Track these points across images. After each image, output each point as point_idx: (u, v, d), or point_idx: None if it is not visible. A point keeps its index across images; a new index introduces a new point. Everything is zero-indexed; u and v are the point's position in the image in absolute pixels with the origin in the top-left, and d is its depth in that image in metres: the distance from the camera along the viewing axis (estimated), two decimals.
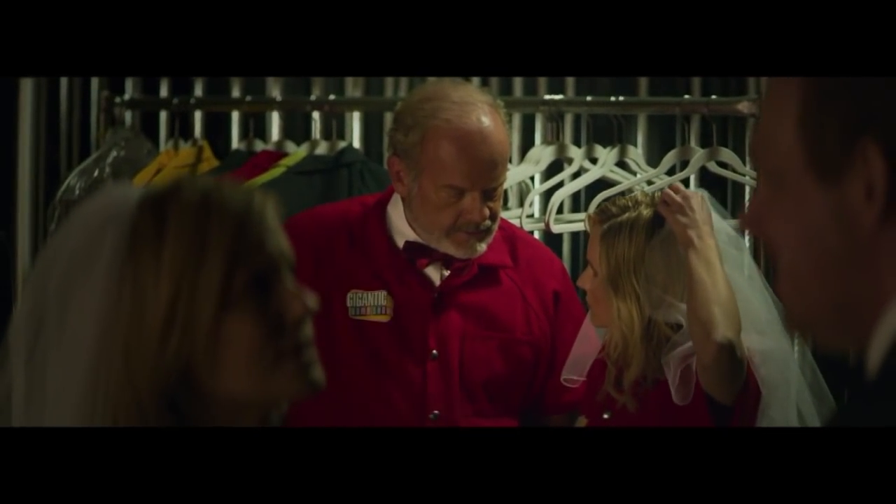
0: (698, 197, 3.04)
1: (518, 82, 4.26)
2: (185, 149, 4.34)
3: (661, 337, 3.02)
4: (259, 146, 4.25)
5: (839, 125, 1.32)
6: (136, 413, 1.63)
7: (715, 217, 3.07)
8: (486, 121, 3.15)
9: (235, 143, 4.45)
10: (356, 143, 4.26)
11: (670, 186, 3.09)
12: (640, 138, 3.99)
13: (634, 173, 3.67)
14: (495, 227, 3.22)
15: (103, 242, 1.65)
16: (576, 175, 3.71)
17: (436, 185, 3.15)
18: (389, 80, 4.41)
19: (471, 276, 3.24)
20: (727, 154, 3.55)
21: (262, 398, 1.69)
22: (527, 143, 4.07)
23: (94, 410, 1.62)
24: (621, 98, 3.75)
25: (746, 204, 3.65)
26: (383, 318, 3.22)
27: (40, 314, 1.66)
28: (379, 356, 3.21)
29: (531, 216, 3.75)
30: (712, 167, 3.56)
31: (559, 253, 3.95)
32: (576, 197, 3.97)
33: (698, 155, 3.54)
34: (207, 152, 4.34)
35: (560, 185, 3.68)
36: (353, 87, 4.41)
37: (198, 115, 4.43)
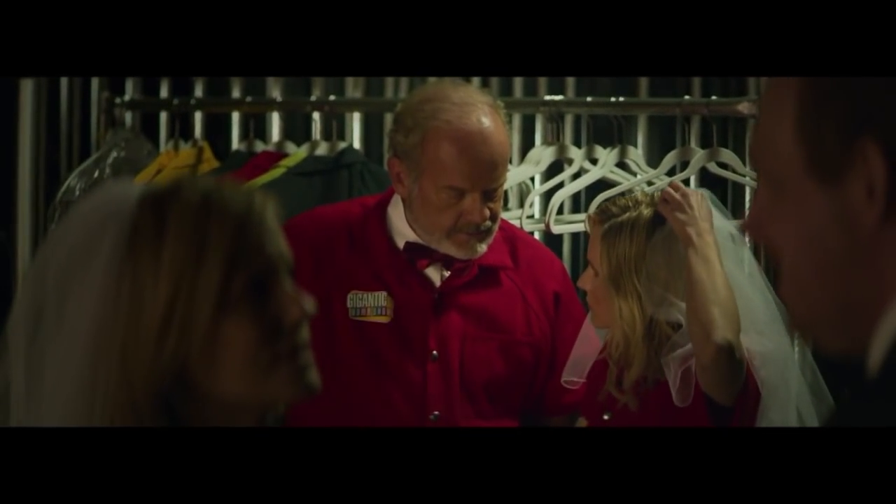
0: (698, 195, 3.04)
1: (518, 83, 4.26)
2: (186, 150, 4.34)
3: (662, 336, 3.01)
4: (259, 147, 4.25)
5: (837, 126, 1.32)
6: (132, 413, 1.62)
7: (716, 214, 3.06)
8: (487, 122, 3.15)
9: (236, 143, 4.45)
10: (356, 144, 4.26)
11: (670, 184, 3.09)
12: (640, 139, 3.99)
13: (635, 174, 3.67)
14: (496, 227, 3.22)
15: (102, 239, 1.64)
16: (576, 176, 3.71)
17: (436, 186, 3.15)
18: (390, 81, 4.42)
19: (471, 276, 3.24)
20: (727, 155, 3.55)
21: (258, 400, 1.69)
22: (527, 144, 4.07)
23: (90, 409, 1.62)
24: (621, 99, 3.75)
25: (747, 204, 3.64)
26: (383, 319, 3.22)
27: (40, 306, 1.66)
28: (379, 357, 3.21)
29: (531, 217, 3.75)
30: (712, 168, 3.56)
31: (559, 254, 3.95)
32: (576, 198, 3.97)
33: (698, 156, 3.53)
34: (208, 153, 4.34)
35: (560, 185, 3.67)
36: (354, 88, 4.41)
37: (198, 116, 4.43)
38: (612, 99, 3.75)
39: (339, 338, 3.20)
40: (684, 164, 3.59)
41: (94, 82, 4.61)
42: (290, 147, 4.21)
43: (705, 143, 3.61)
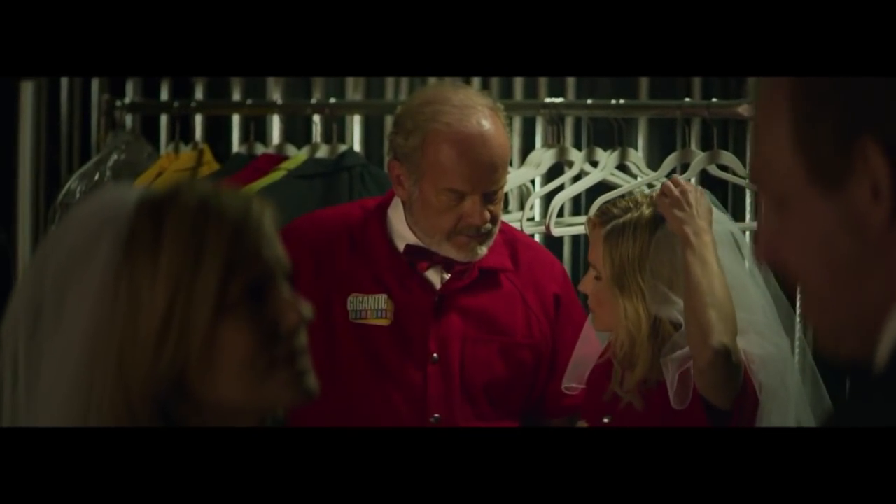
0: (697, 192, 3.02)
1: (518, 85, 4.26)
2: (186, 152, 4.34)
3: (666, 335, 3.00)
4: (260, 149, 4.26)
5: (834, 129, 1.32)
6: (127, 416, 1.62)
7: (716, 212, 3.05)
8: (487, 124, 3.15)
9: (236, 146, 4.46)
10: (357, 147, 4.26)
11: (670, 179, 3.08)
12: (640, 141, 3.99)
13: (635, 176, 3.67)
14: (496, 230, 3.22)
15: (100, 243, 1.64)
16: (576, 178, 3.71)
17: (436, 188, 3.15)
18: (390, 83, 4.42)
19: (471, 279, 3.24)
20: (728, 157, 3.55)
21: (255, 406, 1.69)
22: (527, 147, 4.07)
23: (86, 410, 1.62)
24: (622, 101, 3.75)
25: (747, 207, 3.65)
26: (384, 322, 3.22)
27: (38, 303, 1.66)
28: (379, 360, 3.21)
29: (532, 219, 3.75)
30: (713, 170, 3.56)
31: (560, 256, 3.95)
32: (576, 200, 3.96)
33: (699, 158, 3.53)
34: (208, 156, 4.35)
35: (560, 188, 3.67)
36: (354, 91, 4.41)
37: (198, 119, 4.43)
38: (613, 101, 3.75)
39: (339, 341, 3.20)
40: (685, 167, 3.59)
41: (95, 85, 4.61)
42: (291, 150, 4.21)
43: (705, 145, 3.61)
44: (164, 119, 4.55)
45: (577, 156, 3.73)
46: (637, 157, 3.73)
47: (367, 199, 3.52)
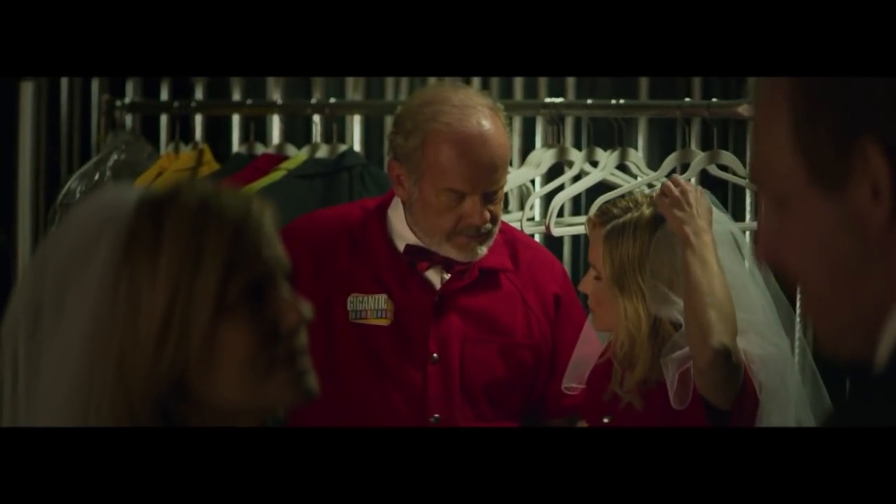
0: (697, 192, 3.02)
1: (518, 85, 4.26)
2: (186, 152, 4.34)
3: (666, 335, 3.01)
4: (260, 149, 4.26)
5: (833, 129, 1.32)
6: (127, 416, 1.62)
7: (716, 212, 3.05)
8: (487, 124, 3.15)
9: (236, 146, 4.46)
10: (357, 147, 4.26)
11: (670, 178, 3.08)
12: (640, 141, 3.99)
13: (635, 176, 3.67)
14: (496, 230, 3.22)
15: (100, 244, 1.64)
16: (576, 178, 3.71)
17: (436, 188, 3.15)
18: (390, 83, 4.42)
19: (471, 279, 3.24)
20: (728, 157, 3.55)
21: (255, 406, 1.69)
22: (527, 147, 4.07)
23: (85, 410, 1.62)
24: (622, 101, 3.75)
25: (748, 207, 3.65)
26: (384, 322, 3.22)
27: (38, 303, 1.66)
28: (379, 360, 3.21)
29: (532, 219, 3.75)
30: (713, 170, 3.56)
31: (560, 256, 3.95)
32: (576, 200, 3.97)
33: (699, 158, 3.53)
34: (208, 156, 4.35)
35: (560, 188, 3.67)
36: (354, 91, 4.41)
37: (198, 119, 4.43)
38: (613, 101, 3.75)
39: (339, 341, 3.20)
40: (685, 167, 3.59)
41: (95, 85, 4.61)
42: (291, 150, 4.21)
43: (706, 145, 3.61)
44: (164, 119, 4.55)
45: (577, 156, 3.73)
46: (637, 157, 3.73)
47: (367, 200, 3.52)
